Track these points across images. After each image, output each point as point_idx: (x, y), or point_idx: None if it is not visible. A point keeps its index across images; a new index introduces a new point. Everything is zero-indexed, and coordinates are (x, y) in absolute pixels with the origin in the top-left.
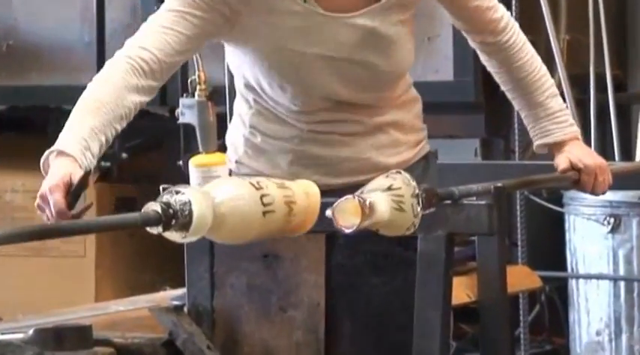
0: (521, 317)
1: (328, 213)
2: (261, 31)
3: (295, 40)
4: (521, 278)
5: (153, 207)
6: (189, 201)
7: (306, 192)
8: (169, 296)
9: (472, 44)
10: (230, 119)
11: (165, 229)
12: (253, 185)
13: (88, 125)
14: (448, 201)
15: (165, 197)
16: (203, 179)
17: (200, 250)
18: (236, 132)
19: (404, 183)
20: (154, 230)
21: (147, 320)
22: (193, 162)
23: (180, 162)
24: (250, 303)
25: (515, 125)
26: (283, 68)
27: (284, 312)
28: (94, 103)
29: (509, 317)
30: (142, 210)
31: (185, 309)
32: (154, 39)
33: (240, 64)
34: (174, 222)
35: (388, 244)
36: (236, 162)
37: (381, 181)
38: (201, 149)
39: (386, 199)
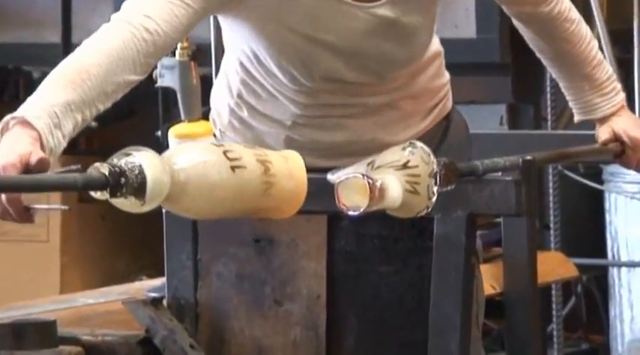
0: (554, 312)
1: (331, 177)
2: (270, 8)
3: (305, 23)
4: (554, 266)
5: (99, 168)
6: (141, 165)
7: (283, 155)
8: (146, 287)
9: (507, 12)
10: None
11: (113, 194)
12: (214, 144)
13: (65, 97)
14: (470, 177)
15: (114, 159)
16: None
17: (182, 234)
18: (221, 97)
19: (422, 161)
20: (100, 195)
21: (120, 315)
22: (174, 133)
23: (159, 133)
24: (240, 295)
25: (548, 88)
26: (286, 47)
27: (279, 306)
28: (78, 73)
29: (541, 312)
30: (87, 172)
31: (164, 302)
32: (160, 9)
33: (235, 30)
34: (123, 186)
35: (400, 227)
36: (220, 131)
37: (396, 155)
38: (183, 117)
39: (399, 181)
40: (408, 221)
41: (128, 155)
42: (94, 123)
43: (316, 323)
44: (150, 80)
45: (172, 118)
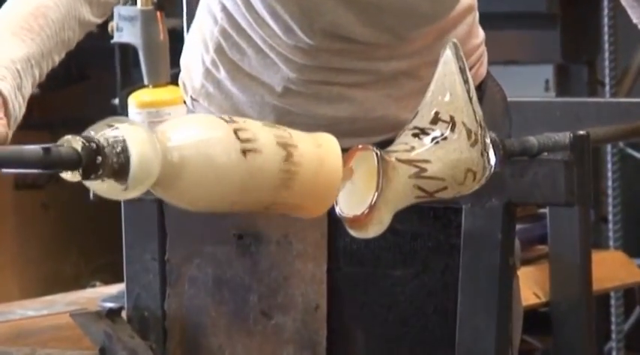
0: (613, 326)
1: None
2: None
3: None
4: (614, 269)
5: (71, 142)
6: (124, 140)
7: (314, 138)
8: (100, 295)
9: None
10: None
11: (86, 175)
12: (223, 119)
13: (26, 50)
14: (522, 157)
15: (91, 131)
16: (149, 124)
17: (145, 228)
18: (194, 54)
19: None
20: (70, 175)
21: (68, 331)
22: (135, 101)
23: (116, 101)
24: (219, 306)
25: (606, 45)
26: None
27: (268, 319)
28: (35, 18)
29: (596, 326)
30: (53, 146)
31: (124, 314)
32: None
33: None
34: (100, 166)
35: (419, 219)
36: (192, 98)
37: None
38: (146, 81)
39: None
40: (430, 212)
41: (110, 127)
42: (36, 90)
43: (314, 340)
44: (105, 35)
45: (133, 83)
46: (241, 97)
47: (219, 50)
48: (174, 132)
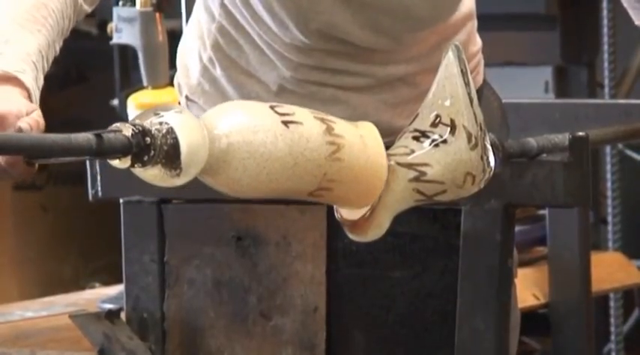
0: (612, 328)
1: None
2: None
3: None
4: (613, 270)
5: (121, 129)
6: (171, 127)
7: (349, 121)
8: (99, 296)
9: None
10: None
11: (136, 161)
12: (272, 108)
13: (36, 43)
14: (520, 159)
15: (136, 119)
16: None
17: (144, 229)
18: (191, 51)
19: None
20: (119, 162)
21: (67, 332)
22: (134, 102)
23: (115, 102)
24: (218, 307)
25: (605, 46)
26: None
27: (267, 320)
28: (37, 9)
29: (595, 328)
30: (104, 131)
31: (123, 315)
32: None
33: None
34: (150, 151)
35: (418, 221)
36: (187, 98)
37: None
38: (145, 82)
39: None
40: (429, 213)
41: (156, 115)
42: None
43: (313, 342)
44: (104, 36)
45: (132, 84)
46: (236, 95)
47: (216, 47)
48: (220, 119)
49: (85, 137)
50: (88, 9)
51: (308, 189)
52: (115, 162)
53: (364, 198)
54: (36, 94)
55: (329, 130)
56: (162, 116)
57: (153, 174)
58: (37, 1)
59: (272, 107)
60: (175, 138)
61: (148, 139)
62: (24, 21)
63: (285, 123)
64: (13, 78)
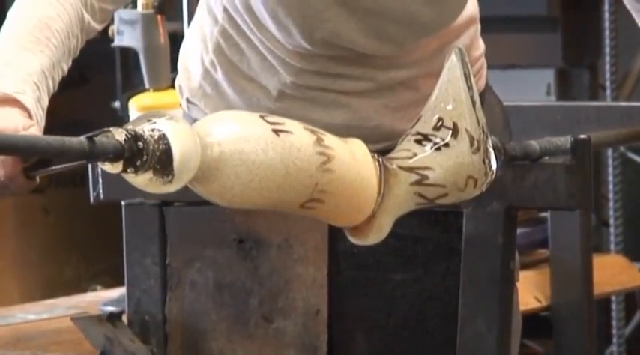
0: (614, 330)
1: None
2: None
3: None
4: (615, 273)
5: (114, 133)
6: (164, 133)
7: (339, 137)
8: (101, 299)
9: None
10: None
11: (128, 166)
12: (262, 117)
13: (39, 63)
14: (523, 162)
15: (129, 125)
16: None
17: (145, 232)
18: (193, 54)
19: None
20: (110, 167)
21: (69, 334)
22: (136, 104)
23: (117, 104)
24: (220, 310)
25: (607, 49)
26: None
27: (269, 323)
28: (40, 30)
29: (597, 330)
30: (95, 135)
31: (124, 318)
32: None
33: None
34: (142, 156)
35: (420, 223)
36: (187, 100)
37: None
38: (147, 85)
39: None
40: (431, 216)
41: (149, 121)
42: None
43: (315, 344)
44: (105, 38)
45: (134, 86)
46: (237, 99)
47: (218, 50)
48: (211, 127)
49: (79, 140)
50: (97, 27)
51: (300, 200)
52: (107, 167)
53: (356, 212)
54: (38, 114)
55: (319, 141)
56: (155, 123)
57: (144, 180)
58: (39, 22)
59: (262, 116)
60: (168, 145)
61: (140, 144)
62: (27, 42)
63: (276, 131)
64: (12, 99)
